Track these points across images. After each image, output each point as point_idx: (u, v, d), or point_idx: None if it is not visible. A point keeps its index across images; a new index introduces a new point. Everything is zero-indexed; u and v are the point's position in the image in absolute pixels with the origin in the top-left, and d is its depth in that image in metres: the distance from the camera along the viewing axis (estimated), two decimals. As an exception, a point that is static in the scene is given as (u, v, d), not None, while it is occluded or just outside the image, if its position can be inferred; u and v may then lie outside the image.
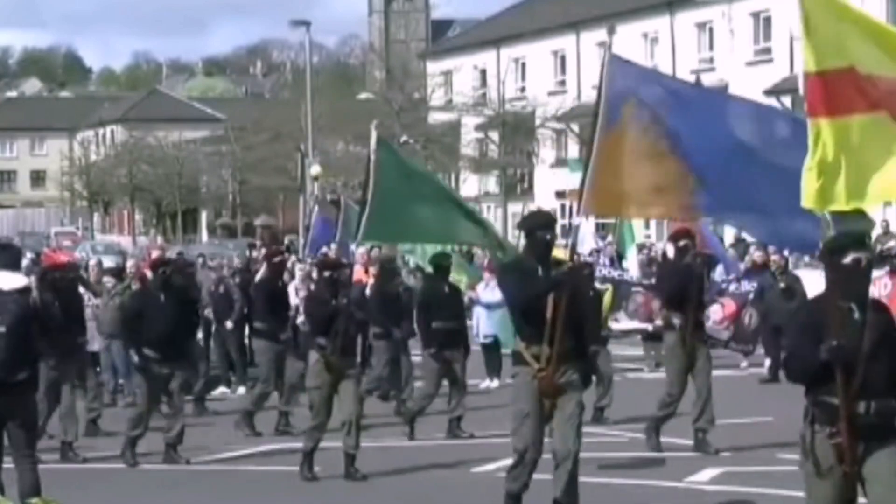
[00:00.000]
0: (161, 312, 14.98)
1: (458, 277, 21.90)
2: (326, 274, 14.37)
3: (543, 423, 10.40)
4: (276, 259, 19.03)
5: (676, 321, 14.88)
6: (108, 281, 20.31)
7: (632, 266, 24.81)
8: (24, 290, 10.60)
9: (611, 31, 11.29)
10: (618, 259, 25.74)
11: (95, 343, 18.83)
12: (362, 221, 13.71)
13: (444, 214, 14.26)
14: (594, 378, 16.99)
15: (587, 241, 26.00)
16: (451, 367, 16.77)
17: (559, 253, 19.16)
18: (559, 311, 10.23)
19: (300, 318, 19.96)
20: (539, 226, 10.71)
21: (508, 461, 13.99)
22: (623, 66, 10.83)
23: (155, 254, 30.86)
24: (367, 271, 21.77)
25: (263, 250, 27.19)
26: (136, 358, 15.08)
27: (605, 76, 10.56)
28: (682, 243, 15.41)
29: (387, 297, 19.07)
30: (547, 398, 10.34)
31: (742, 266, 23.65)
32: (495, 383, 21.24)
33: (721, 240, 27.97)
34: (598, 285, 22.56)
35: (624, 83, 10.57)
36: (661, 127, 10.43)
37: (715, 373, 16.37)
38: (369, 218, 13.63)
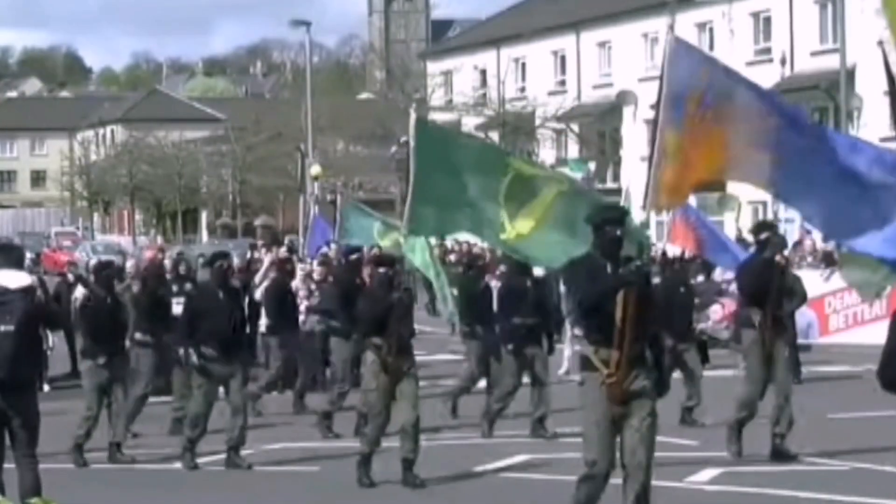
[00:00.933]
0: (220, 308, 14.42)
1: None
2: (381, 270, 13.68)
3: (614, 432, 9.71)
4: (354, 257, 19.01)
5: (756, 318, 14.40)
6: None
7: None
8: (30, 289, 10.60)
9: (672, 12, 10.78)
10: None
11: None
12: (405, 215, 12.87)
13: (484, 204, 12.91)
14: (683, 376, 16.79)
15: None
16: (532, 365, 16.30)
17: None
18: (629, 311, 9.54)
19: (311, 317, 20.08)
20: (608, 220, 9.91)
21: (511, 460, 14.03)
22: (688, 51, 10.33)
23: (149, 253, 30.86)
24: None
25: (264, 250, 27.21)
26: (194, 357, 14.43)
27: (667, 62, 10.07)
28: (763, 236, 14.75)
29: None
30: (616, 406, 9.65)
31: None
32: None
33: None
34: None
35: (689, 70, 10.09)
36: (731, 108, 10.03)
37: (715, 373, 16.50)
38: (412, 211, 12.69)
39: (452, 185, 12.83)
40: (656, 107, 10.34)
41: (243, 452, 14.53)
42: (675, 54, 10.18)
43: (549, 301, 16.69)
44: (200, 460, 14.64)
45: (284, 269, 20.59)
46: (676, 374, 18.60)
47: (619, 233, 9.83)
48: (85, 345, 15.55)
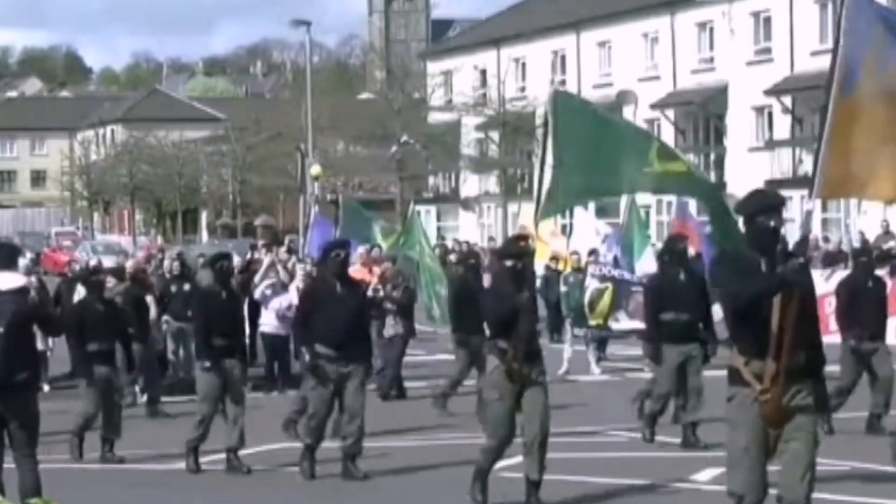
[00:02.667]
0: (338, 303, 13.18)
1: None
2: (508, 263, 11.81)
3: (766, 458, 8.33)
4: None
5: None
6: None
7: (649, 267, 24.52)
8: (22, 290, 10.55)
9: None
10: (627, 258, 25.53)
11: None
12: (541, 199, 12.04)
13: (631, 162, 12.42)
14: (870, 381, 15.99)
15: (587, 239, 25.94)
16: (686, 364, 15.01)
17: (545, 250, 18.65)
18: (788, 316, 8.17)
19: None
20: (762, 209, 8.50)
21: (511, 460, 14.02)
22: (868, 3, 9.65)
23: (142, 254, 30.85)
24: (370, 271, 21.79)
25: (264, 250, 27.21)
26: (307, 357, 13.37)
27: (844, 20, 9.48)
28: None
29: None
30: (772, 427, 8.26)
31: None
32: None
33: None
34: (598, 284, 22.57)
35: (867, 25, 9.45)
36: None
37: (715, 373, 16.32)
38: (554, 186, 11.86)
39: (596, 152, 12.30)
40: (829, 77, 9.55)
41: (246, 452, 14.50)
42: (855, 5, 9.46)
43: (706, 295, 14.86)
44: (200, 461, 14.63)
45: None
46: (650, 375, 18.73)
47: (773, 223, 8.44)
48: (197, 344, 14.94)
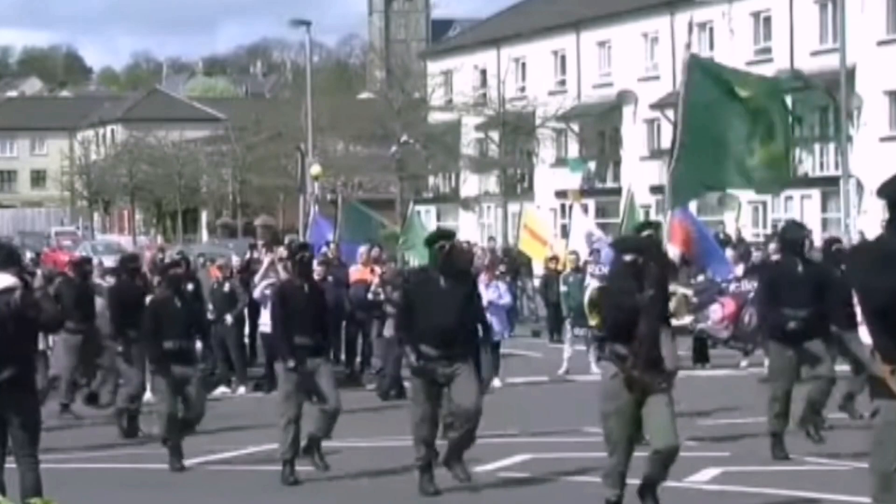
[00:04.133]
0: (444, 298, 12.34)
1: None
2: (628, 258, 10.61)
3: None
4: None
5: None
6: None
7: None
8: (9, 290, 10.44)
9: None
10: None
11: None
12: (673, 184, 11.57)
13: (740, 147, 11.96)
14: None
15: (580, 242, 25.90)
16: (808, 360, 13.80)
17: (542, 250, 18.69)
18: None
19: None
20: None
21: (511, 460, 14.00)
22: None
23: (149, 253, 30.87)
24: (372, 271, 21.80)
25: (264, 250, 27.17)
26: (412, 357, 12.35)
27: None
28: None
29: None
30: None
31: (742, 266, 23.61)
32: (498, 383, 20.93)
33: (718, 237, 27.93)
34: (598, 284, 22.57)
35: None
36: None
37: (715, 373, 16.46)
38: (678, 173, 11.45)
39: (720, 133, 11.91)
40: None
41: (248, 452, 14.50)
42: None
43: (838, 290, 13.46)
44: (198, 460, 14.64)
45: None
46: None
47: None
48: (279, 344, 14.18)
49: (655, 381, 10.38)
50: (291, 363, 13.33)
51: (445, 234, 13.28)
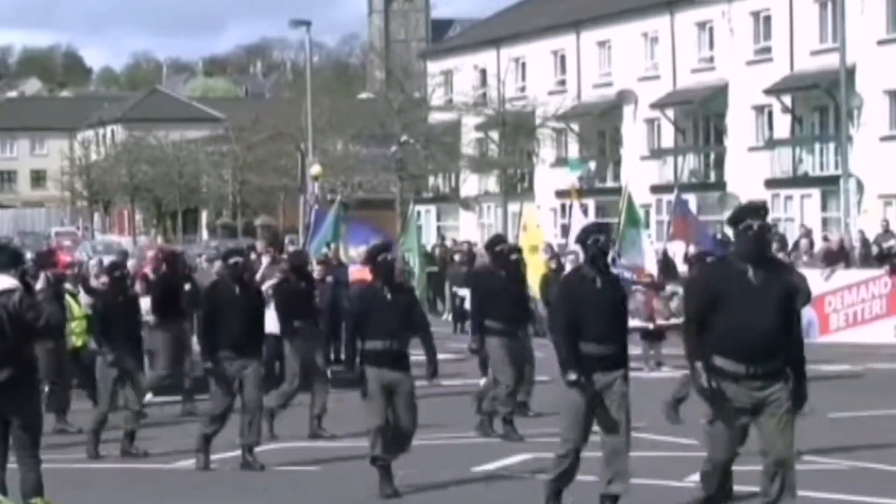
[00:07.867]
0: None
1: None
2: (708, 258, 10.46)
3: None
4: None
5: None
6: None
7: (649, 262, 24.41)
8: (8, 292, 10.41)
9: None
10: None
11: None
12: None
13: None
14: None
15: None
16: None
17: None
18: None
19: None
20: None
21: (511, 460, 14.01)
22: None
23: (151, 253, 30.83)
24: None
25: (267, 250, 27.15)
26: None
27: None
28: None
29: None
30: None
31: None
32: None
33: (721, 239, 27.94)
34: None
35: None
36: None
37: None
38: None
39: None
40: None
41: (237, 453, 14.48)
42: None
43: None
44: (196, 460, 14.62)
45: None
46: (649, 375, 18.52)
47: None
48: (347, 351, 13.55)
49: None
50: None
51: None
